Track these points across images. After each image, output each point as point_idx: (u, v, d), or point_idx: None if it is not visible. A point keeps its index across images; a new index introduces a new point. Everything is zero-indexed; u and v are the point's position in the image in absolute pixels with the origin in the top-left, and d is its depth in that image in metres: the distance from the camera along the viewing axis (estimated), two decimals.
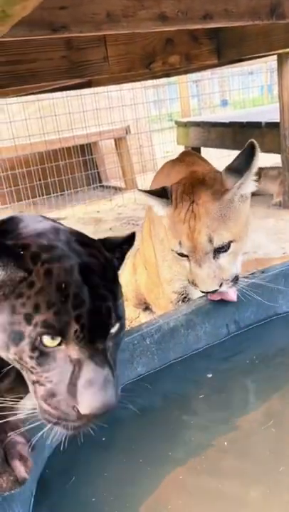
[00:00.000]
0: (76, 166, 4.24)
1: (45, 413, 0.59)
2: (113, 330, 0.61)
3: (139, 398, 0.85)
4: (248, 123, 3.32)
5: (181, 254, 1.05)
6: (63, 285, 0.58)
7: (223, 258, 1.03)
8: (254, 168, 1.04)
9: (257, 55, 1.96)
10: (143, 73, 1.85)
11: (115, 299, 0.62)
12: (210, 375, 0.89)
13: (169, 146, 4.83)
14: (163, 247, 1.27)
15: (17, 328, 0.58)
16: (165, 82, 5.35)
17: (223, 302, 1.00)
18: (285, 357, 0.93)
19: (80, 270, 0.60)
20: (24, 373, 0.61)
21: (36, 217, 0.70)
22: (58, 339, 0.57)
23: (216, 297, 1.00)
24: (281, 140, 3.01)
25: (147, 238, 1.45)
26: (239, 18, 1.17)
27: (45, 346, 0.57)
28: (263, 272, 1.06)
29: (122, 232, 1.06)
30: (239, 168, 1.05)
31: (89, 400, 0.56)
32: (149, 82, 4.76)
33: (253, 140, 1.03)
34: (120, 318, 0.62)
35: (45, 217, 0.71)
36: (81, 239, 0.66)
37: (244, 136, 3.33)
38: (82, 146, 4.29)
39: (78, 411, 0.56)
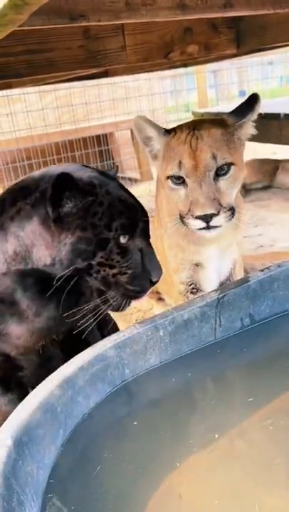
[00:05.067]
0: (92, 156, 4.23)
1: (129, 292, 0.83)
2: None
3: (152, 390, 0.85)
4: (266, 114, 3.27)
5: (178, 179, 1.06)
6: (122, 198, 0.82)
7: (223, 181, 1.06)
8: (256, 112, 1.13)
9: (277, 44, 1.92)
10: (161, 63, 1.84)
11: None
12: (223, 368, 0.89)
13: None
14: (167, 234, 1.28)
15: (102, 236, 0.79)
16: (182, 72, 5.28)
17: (238, 295, 1.00)
18: None
19: (122, 188, 0.85)
20: (97, 275, 0.80)
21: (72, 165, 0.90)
22: (127, 237, 0.81)
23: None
24: None
25: (158, 227, 1.46)
26: (260, 7, 1.15)
27: (122, 243, 0.81)
28: (279, 266, 1.04)
29: None
30: (242, 111, 1.12)
31: (156, 272, 0.84)
32: (166, 72, 4.71)
33: (256, 92, 1.15)
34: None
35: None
36: (101, 171, 0.88)
37: (262, 128, 3.28)
38: (98, 136, 4.28)
39: (151, 281, 0.84)
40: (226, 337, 0.97)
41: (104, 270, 0.80)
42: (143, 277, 0.83)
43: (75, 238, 0.79)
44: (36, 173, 0.86)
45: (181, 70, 5.07)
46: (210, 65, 5.09)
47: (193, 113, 4.31)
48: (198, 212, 1.00)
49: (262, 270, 1.04)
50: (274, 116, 3.22)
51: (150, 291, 0.87)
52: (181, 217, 1.07)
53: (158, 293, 1.72)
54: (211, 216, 1.01)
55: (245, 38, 1.79)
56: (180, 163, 1.05)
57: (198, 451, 0.69)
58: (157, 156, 1.18)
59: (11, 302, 0.85)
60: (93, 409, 0.79)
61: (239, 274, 1.39)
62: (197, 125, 1.11)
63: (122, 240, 0.81)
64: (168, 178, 1.09)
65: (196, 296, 1.19)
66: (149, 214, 0.88)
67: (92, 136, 4.22)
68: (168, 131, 1.16)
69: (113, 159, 4.53)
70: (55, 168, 0.86)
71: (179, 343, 0.92)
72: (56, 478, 0.67)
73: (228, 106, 5.27)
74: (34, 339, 0.88)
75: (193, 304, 0.96)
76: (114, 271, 0.81)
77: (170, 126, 1.21)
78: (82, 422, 0.77)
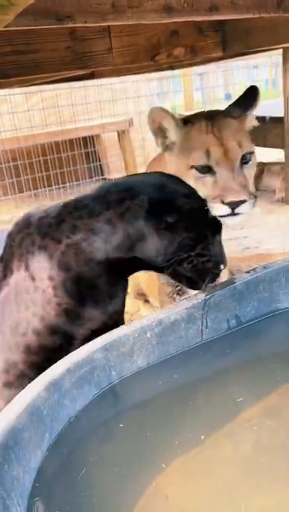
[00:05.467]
0: (78, 158, 4.22)
1: (214, 275, 0.98)
2: None
3: (139, 392, 0.85)
4: None
5: (204, 168, 1.09)
6: (203, 200, 1.00)
7: (246, 170, 1.11)
8: (258, 104, 1.19)
9: (262, 48, 1.94)
10: (147, 65, 1.84)
11: None
12: (210, 369, 0.90)
13: None
14: None
15: (203, 233, 0.95)
16: (169, 74, 5.31)
17: (225, 297, 1.00)
18: (284, 353, 0.93)
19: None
20: (185, 266, 0.94)
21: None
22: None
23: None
24: (285, 135, 2.99)
25: None
26: (245, 11, 1.16)
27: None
28: (264, 268, 1.05)
29: None
30: (245, 103, 1.18)
31: (225, 261, 1.02)
32: (153, 75, 4.73)
33: (254, 85, 1.22)
34: None
35: None
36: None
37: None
38: (84, 138, 4.27)
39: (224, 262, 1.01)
40: (213, 338, 0.98)
41: (197, 259, 0.94)
42: (221, 260, 0.99)
43: (182, 238, 0.93)
44: (135, 177, 1.02)
45: (167, 73, 5.10)
46: (196, 68, 5.13)
47: (180, 115, 4.33)
48: (232, 198, 1.05)
49: (248, 272, 1.05)
50: (259, 119, 3.25)
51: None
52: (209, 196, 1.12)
53: (144, 295, 1.72)
54: (241, 203, 1.05)
55: (230, 41, 1.81)
56: (207, 152, 1.09)
57: (184, 453, 0.70)
58: (172, 147, 1.20)
59: (94, 286, 0.95)
60: (80, 412, 0.78)
61: (223, 276, 1.40)
62: (212, 116, 1.15)
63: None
64: (192, 167, 1.12)
65: (182, 298, 1.19)
66: None
67: (79, 138, 4.20)
68: (184, 122, 1.19)
69: (100, 161, 4.52)
70: (155, 178, 0.99)
71: (166, 344, 0.92)
72: (42, 481, 0.67)
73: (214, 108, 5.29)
74: (103, 320, 0.98)
75: (180, 306, 0.96)
76: (204, 259, 0.95)
77: None
78: (69, 425, 0.76)
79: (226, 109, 1.23)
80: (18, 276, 0.96)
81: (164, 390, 0.85)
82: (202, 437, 0.72)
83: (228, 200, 1.05)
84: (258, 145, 3.64)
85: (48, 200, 3.92)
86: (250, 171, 1.11)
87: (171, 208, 0.93)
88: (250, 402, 0.78)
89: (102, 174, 4.56)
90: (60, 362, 0.81)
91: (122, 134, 4.39)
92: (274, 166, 3.52)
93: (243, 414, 0.76)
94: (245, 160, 1.10)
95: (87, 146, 4.32)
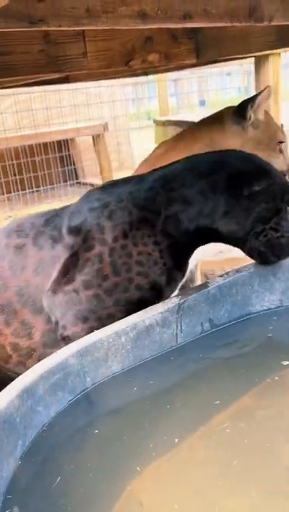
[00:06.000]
0: (53, 161, 4.19)
1: (284, 247, 1.03)
2: None
3: (114, 397, 0.85)
4: None
5: (280, 145, 1.52)
6: (286, 182, 1.06)
7: None
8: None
9: (235, 56, 1.98)
10: (122, 70, 1.85)
11: None
12: (184, 373, 0.90)
13: (147, 144, 4.84)
14: None
15: (279, 206, 1.03)
16: (144, 80, 5.34)
17: (199, 301, 1.01)
18: (257, 355, 0.94)
19: (282, 172, 1.26)
20: (261, 239, 1.02)
21: None
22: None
23: None
24: None
25: None
26: (218, 19, 1.18)
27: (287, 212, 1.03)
28: (237, 272, 1.07)
29: None
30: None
31: None
32: (128, 80, 4.75)
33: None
34: None
35: None
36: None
37: None
38: (59, 141, 4.24)
39: None
40: (187, 342, 0.98)
41: (271, 234, 1.02)
42: None
43: (260, 208, 1.02)
44: (221, 152, 1.14)
45: (142, 78, 5.13)
46: (171, 74, 5.18)
47: (155, 121, 4.36)
48: None
49: (221, 275, 1.06)
50: None
51: None
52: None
53: None
54: None
55: (204, 48, 1.84)
56: (283, 133, 1.52)
57: (158, 457, 0.70)
58: (257, 124, 1.51)
59: (187, 252, 1.10)
60: (53, 419, 0.78)
61: (197, 278, 1.42)
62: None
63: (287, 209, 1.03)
64: (280, 143, 1.51)
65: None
66: None
67: (53, 142, 4.17)
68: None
69: (74, 165, 4.50)
70: (240, 153, 1.10)
71: (140, 349, 0.92)
72: (15, 491, 0.66)
73: (188, 114, 5.36)
74: (178, 286, 1.14)
75: (154, 310, 0.97)
76: (278, 234, 1.02)
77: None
78: (42, 433, 0.75)
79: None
80: (116, 245, 1.05)
81: (139, 395, 0.85)
82: (176, 440, 0.72)
83: None
84: None
85: (21, 204, 3.87)
86: None
87: (254, 178, 1.02)
88: (223, 405, 0.79)
89: (77, 178, 4.54)
90: (33, 368, 0.79)
91: (96, 138, 4.38)
92: None
93: (216, 416, 0.76)
94: None
95: (61, 149, 4.29)
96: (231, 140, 1.52)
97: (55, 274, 1.08)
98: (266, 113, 1.55)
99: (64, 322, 1.07)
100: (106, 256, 1.05)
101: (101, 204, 1.09)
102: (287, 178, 1.48)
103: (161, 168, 1.14)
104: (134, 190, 1.08)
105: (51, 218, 1.15)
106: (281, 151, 1.54)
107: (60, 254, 1.08)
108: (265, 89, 1.53)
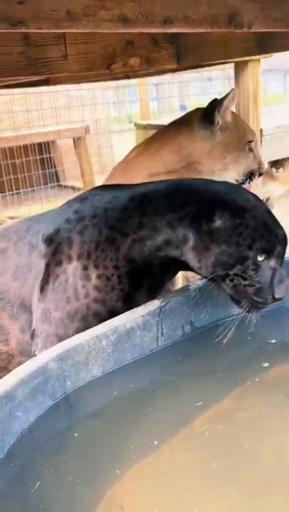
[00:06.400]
0: (33, 164, 4.15)
1: (255, 303, 0.93)
2: None
3: (94, 401, 0.84)
4: None
5: (250, 144, 1.52)
6: (267, 223, 0.93)
7: None
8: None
9: (215, 62, 2.00)
10: (103, 74, 1.84)
11: None
12: (165, 376, 0.90)
13: (128, 148, 4.84)
14: None
15: (243, 254, 0.91)
16: (125, 83, 5.35)
17: (180, 303, 1.02)
18: (238, 357, 0.95)
19: (267, 212, 0.96)
20: (230, 282, 0.93)
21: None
22: (264, 256, 0.92)
23: None
24: None
25: None
26: (198, 25, 1.19)
27: (258, 261, 0.91)
28: None
29: None
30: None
31: (280, 291, 0.92)
32: (109, 83, 4.75)
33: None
34: None
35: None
36: (251, 193, 1.02)
37: None
38: (39, 144, 4.21)
39: (274, 297, 0.92)
40: (168, 345, 0.99)
41: (238, 280, 0.93)
42: (267, 292, 0.93)
43: (220, 250, 0.93)
44: (198, 182, 1.06)
45: (123, 82, 5.14)
46: (152, 78, 5.20)
47: (136, 124, 4.37)
48: (263, 170, 1.54)
49: (202, 278, 1.07)
50: None
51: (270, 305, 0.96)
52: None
53: None
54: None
55: (184, 53, 1.85)
56: (253, 132, 1.53)
57: (138, 459, 0.70)
58: (225, 126, 1.50)
59: (152, 277, 1.04)
60: (33, 424, 0.77)
61: (178, 281, 1.43)
62: None
63: (259, 258, 0.92)
64: (248, 142, 1.51)
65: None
66: None
67: (34, 144, 4.14)
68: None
69: (55, 167, 4.47)
70: (216, 186, 1.01)
71: (121, 352, 0.92)
72: None
73: (170, 119, 5.38)
74: None
75: (135, 313, 0.97)
76: (246, 282, 0.92)
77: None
78: (22, 438, 0.74)
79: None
80: (78, 264, 1.01)
81: (120, 398, 0.85)
82: (156, 443, 0.72)
83: (264, 169, 1.53)
84: None
85: (1, 207, 3.82)
86: None
87: (215, 212, 0.93)
88: (204, 407, 0.79)
89: (58, 181, 4.51)
90: (12, 373, 0.78)
91: (78, 141, 4.36)
92: None
93: (196, 419, 0.77)
94: None
95: (42, 152, 4.26)
96: (200, 144, 1.51)
97: (37, 285, 1.06)
98: (234, 114, 1.55)
99: (38, 339, 1.06)
100: (70, 275, 1.02)
101: (77, 217, 1.05)
102: (257, 177, 1.53)
103: (144, 184, 1.09)
104: (109, 207, 1.04)
105: (32, 225, 1.14)
106: (251, 150, 1.53)
107: (35, 261, 1.07)
108: (230, 92, 1.52)
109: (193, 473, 0.67)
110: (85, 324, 1.00)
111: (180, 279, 1.51)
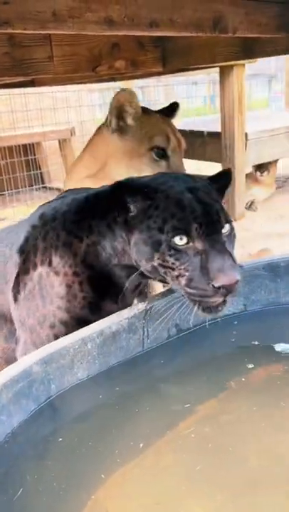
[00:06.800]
0: (18, 165, 4.12)
1: (190, 295, 0.81)
2: (224, 230, 0.83)
3: (79, 405, 0.84)
4: (191, 131, 3.41)
5: (160, 152, 1.32)
6: (179, 201, 0.81)
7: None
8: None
9: (201, 65, 2.02)
10: (89, 76, 1.84)
11: (221, 207, 0.84)
12: (150, 379, 0.90)
13: None
14: None
15: (155, 238, 0.81)
16: (111, 86, 5.35)
17: (165, 306, 1.01)
18: (223, 359, 0.96)
19: (189, 190, 0.83)
20: (167, 277, 0.83)
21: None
22: (185, 238, 0.80)
23: None
24: (222, 150, 3.11)
25: None
26: (184, 29, 1.20)
27: (177, 245, 0.80)
28: None
29: None
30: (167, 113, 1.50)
31: (218, 275, 0.77)
32: (95, 86, 4.75)
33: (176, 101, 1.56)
34: (228, 221, 0.85)
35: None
36: (188, 175, 0.92)
37: (187, 145, 3.42)
38: (24, 145, 4.18)
39: (213, 286, 0.77)
40: (154, 347, 0.98)
41: (168, 272, 0.83)
42: (201, 281, 0.78)
43: (135, 240, 0.85)
44: (136, 178, 0.97)
45: (109, 84, 5.13)
46: (137, 81, 5.21)
47: None
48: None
49: None
50: (198, 134, 3.37)
51: (219, 297, 0.79)
52: None
53: None
54: None
55: (170, 57, 1.86)
56: (168, 138, 1.32)
57: (124, 463, 0.69)
58: (127, 130, 1.37)
59: (114, 284, 0.97)
60: (16, 429, 0.76)
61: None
62: (158, 112, 1.47)
63: (178, 241, 0.80)
64: (152, 149, 1.31)
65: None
66: None
67: (19, 145, 4.11)
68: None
69: (40, 169, 4.44)
70: (143, 177, 0.95)
71: (107, 355, 0.92)
72: None
73: None
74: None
75: (121, 316, 0.96)
76: (174, 273, 0.82)
77: None
78: (4, 443, 0.73)
79: (158, 111, 1.49)
80: (42, 271, 0.97)
81: (106, 401, 0.84)
82: (141, 445, 0.72)
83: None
84: (197, 158, 3.75)
85: None
86: None
87: (129, 200, 0.85)
88: (189, 410, 0.79)
89: (43, 182, 4.48)
90: None
91: (63, 143, 4.34)
92: None
93: (182, 421, 0.77)
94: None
95: (27, 153, 4.23)
96: (103, 147, 1.42)
97: (11, 294, 1.05)
98: (145, 117, 1.38)
99: (18, 346, 1.05)
100: (36, 283, 0.99)
101: (42, 222, 1.01)
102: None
103: (105, 185, 1.02)
104: (67, 210, 0.98)
105: (8, 235, 1.12)
106: (162, 158, 1.32)
107: (10, 271, 1.05)
108: (117, 93, 1.38)
109: (178, 475, 0.67)
110: (55, 331, 0.98)
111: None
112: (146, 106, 1.56)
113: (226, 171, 0.96)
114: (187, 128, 3.46)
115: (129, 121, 1.34)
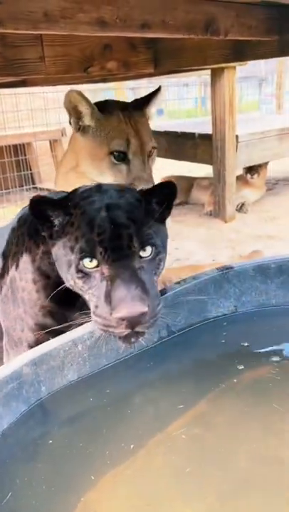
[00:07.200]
0: (8, 166, 4.09)
1: (96, 323, 0.75)
2: (144, 254, 0.76)
3: (69, 407, 0.83)
4: (182, 133, 3.42)
5: (121, 156, 1.23)
6: (91, 220, 0.74)
7: (151, 162, 1.29)
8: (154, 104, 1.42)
9: (192, 67, 2.02)
10: (80, 76, 1.84)
11: (139, 228, 0.75)
12: (141, 380, 0.90)
13: None
14: None
15: (68, 258, 0.76)
16: (102, 87, 5.35)
17: None
18: (214, 361, 0.96)
19: (107, 208, 0.76)
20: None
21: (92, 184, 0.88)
22: (94, 261, 0.74)
23: None
24: (213, 151, 3.12)
25: None
26: (175, 31, 1.20)
27: (86, 268, 0.74)
28: (194, 278, 1.08)
29: None
30: (143, 102, 1.41)
31: (119, 306, 0.69)
32: (86, 86, 4.74)
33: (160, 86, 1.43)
34: (152, 244, 0.77)
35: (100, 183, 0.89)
36: (119, 188, 0.82)
37: (178, 146, 3.43)
38: (15, 146, 4.16)
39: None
40: (145, 349, 0.98)
41: (84, 295, 0.77)
42: (104, 310, 0.72)
43: (55, 255, 0.81)
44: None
45: (100, 85, 5.13)
46: (129, 82, 5.22)
47: None
48: (142, 186, 1.17)
49: (178, 282, 1.07)
50: (189, 136, 3.38)
51: (124, 329, 0.72)
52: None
53: None
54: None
55: (162, 59, 1.87)
56: (128, 141, 1.24)
57: (114, 465, 0.69)
58: (87, 130, 1.32)
59: (72, 293, 0.86)
60: (6, 431, 0.75)
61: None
62: (125, 108, 1.32)
63: (88, 264, 0.74)
64: (111, 153, 1.25)
65: None
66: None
67: (9, 146, 4.08)
68: (100, 109, 1.33)
69: (31, 170, 4.42)
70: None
71: (97, 357, 0.91)
72: None
73: None
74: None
75: None
76: (86, 296, 0.76)
77: None
78: None
79: (132, 102, 1.41)
80: (12, 275, 0.96)
81: (96, 403, 0.84)
82: (132, 447, 0.71)
83: (141, 186, 1.16)
84: (188, 160, 3.74)
85: None
86: (153, 163, 1.29)
87: (52, 213, 0.79)
88: (180, 411, 0.79)
89: (34, 183, 4.46)
90: None
91: (54, 143, 4.33)
92: (203, 180, 3.66)
93: (173, 423, 0.77)
94: (150, 154, 1.27)
95: (17, 154, 4.20)
96: (75, 144, 1.41)
97: None
98: (102, 119, 1.31)
99: (4, 346, 1.05)
100: (8, 287, 0.98)
101: (18, 226, 0.98)
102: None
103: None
104: None
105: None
106: (122, 161, 1.26)
107: None
108: (67, 93, 1.34)
109: (169, 477, 0.67)
110: (25, 335, 0.97)
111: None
112: None
113: (169, 183, 0.85)
114: (178, 130, 3.47)
115: (87, 121, 1.30)
